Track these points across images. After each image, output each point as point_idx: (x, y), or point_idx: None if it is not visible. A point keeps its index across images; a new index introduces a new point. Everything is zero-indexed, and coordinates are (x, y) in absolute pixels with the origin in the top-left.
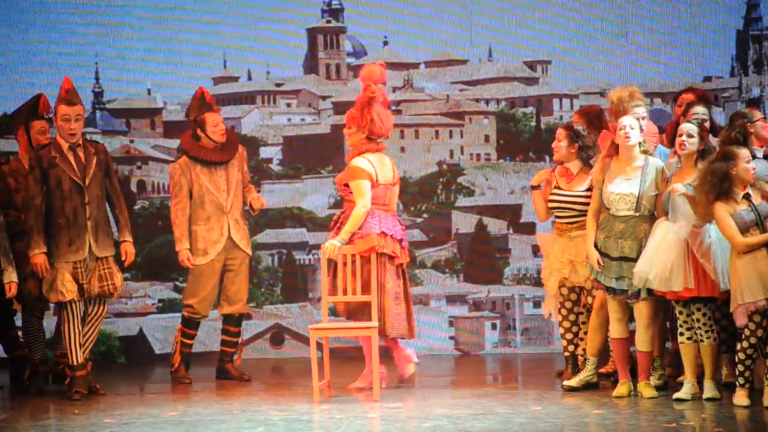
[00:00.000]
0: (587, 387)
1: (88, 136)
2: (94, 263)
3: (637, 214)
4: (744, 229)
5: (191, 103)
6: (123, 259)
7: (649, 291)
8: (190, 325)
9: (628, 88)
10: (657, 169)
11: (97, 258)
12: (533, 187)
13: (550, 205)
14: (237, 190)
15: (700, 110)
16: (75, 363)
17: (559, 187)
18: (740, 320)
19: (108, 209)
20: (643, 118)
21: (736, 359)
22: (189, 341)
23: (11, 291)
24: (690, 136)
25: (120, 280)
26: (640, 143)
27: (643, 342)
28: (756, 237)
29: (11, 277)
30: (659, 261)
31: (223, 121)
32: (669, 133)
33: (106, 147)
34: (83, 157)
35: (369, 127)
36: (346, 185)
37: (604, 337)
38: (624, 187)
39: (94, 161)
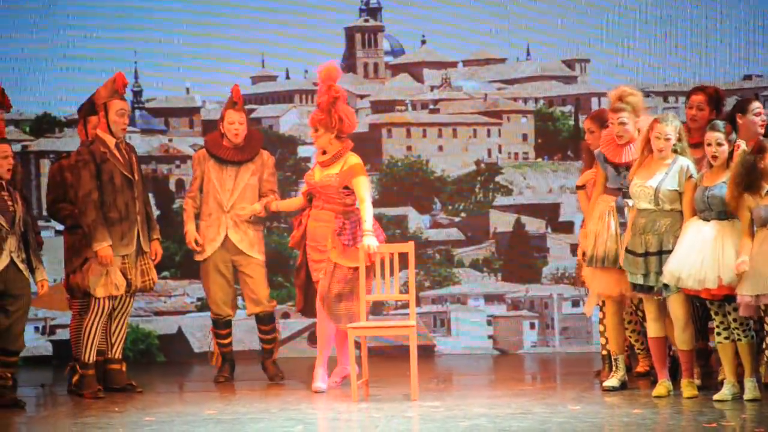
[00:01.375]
0: (624, 386)
1: (127, 136)
2: (136, 258)
3: (656, 208)
4: (761, 224)
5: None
6: (153, 257)
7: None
8: (217, 325)
9: (621, 90)
10: (682, 167)
11: (138, 253)
12: (578, 187)
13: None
14: (245, 193)
15: (755, 105)
16: (87, 361)
17: None
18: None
19: None
20: (622, 124)
21: None
22: (222, 341)
23: (43, 288)
24: (719, 144)
25: (156, 275)
26: (674, 145)
27: (682, 341)
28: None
29: (43, 275)
30: (692, 260)
31: (243, 122)
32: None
33: (144, 146)
34: (126, 153)
35: (338, 126)
36: (346, 186)
37: (624, 334)
38: (646, 180)
39: (134, 158)
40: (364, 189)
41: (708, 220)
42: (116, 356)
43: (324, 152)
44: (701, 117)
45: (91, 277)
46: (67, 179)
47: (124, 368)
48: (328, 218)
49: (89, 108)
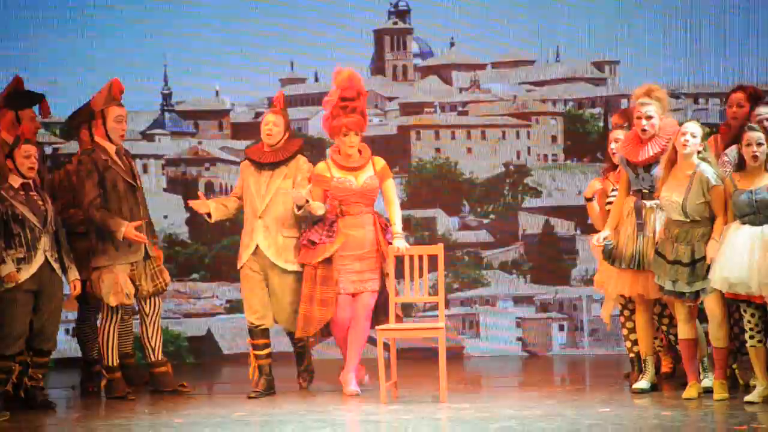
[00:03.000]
0: (654, 387)
1: (156, 138)
2: (144, 263)
3: (687, 220)
4: None
5: None
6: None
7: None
8: (253, 334)
9: (647, 86)
10: (701, 179)
11: (146, 258)
12: (587, 199)
13: (608, 207)
14: (277, 197)
15: (763, 111)
16: (111, 364)
17: (615, 189)
18: None
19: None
20: (649, 118)
21: None
22: (258, 352)
23: (76, 289)
24: (759, 144)
25: (168, 276)
26: (699, 151)
27: (717, 339)
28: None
29: (75, 274)
30: (739, 264)
31: (279, 124)
32: (723, 134)
33: (173, 148)
34: (126, 159)
35: (364, 130)
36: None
37: (653, 334)
38: (673, 194)
39: (134, 164)
40: (394, 190)
41: (755, 224)
42: (159, 358)
43: (351, 155)
44: (741, 114)
45: (103, 286)
46: (75, 183)
47: (170, 369)
48: (369, 222)
49: (89, 114)
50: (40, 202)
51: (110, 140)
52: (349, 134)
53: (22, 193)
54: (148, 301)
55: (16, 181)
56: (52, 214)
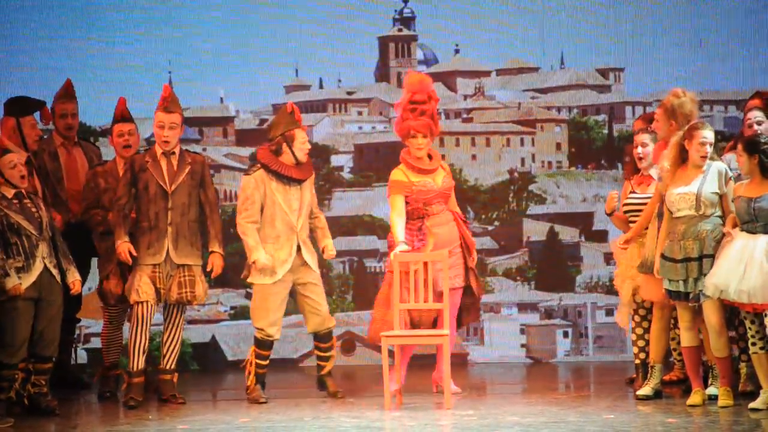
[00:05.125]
0: (658, 394)
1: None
2: (174, 270)
3: (697, 214)
4: None
5: (278, 117)
6: (209, 270)
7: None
8: (263, 346)
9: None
10: (719, 170)
11: (177, 265)
12: (609, 214)
13: (624, 209)
14: (307, 211)
15: (756, 114)
16: (134, 369)
17: (634, 192)
18: None
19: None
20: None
21: None
22: (263, 362)
23: (75, 287)
24: (706, 144)
25: (202, 290)
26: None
27: (717, 348)
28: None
29: (75, 275)
30: (739, 274)
31: (308, 139)
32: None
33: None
34: (176, 165)
35: (435, 132)
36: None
37: (667, 343)
38: (685, 187)
39: (187, 170)
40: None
41: (753, 233)
42: (168, 367)
43: (421, 158)
44: None
45: (127, 283)
46: (100, 185)
47: (174, 379)
48: (451, 217)
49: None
50: (34, 209)
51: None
52: (417, 137)
53: (15, 201)
54: (170, 308)
55: (9, 192)
56: (47, 220)
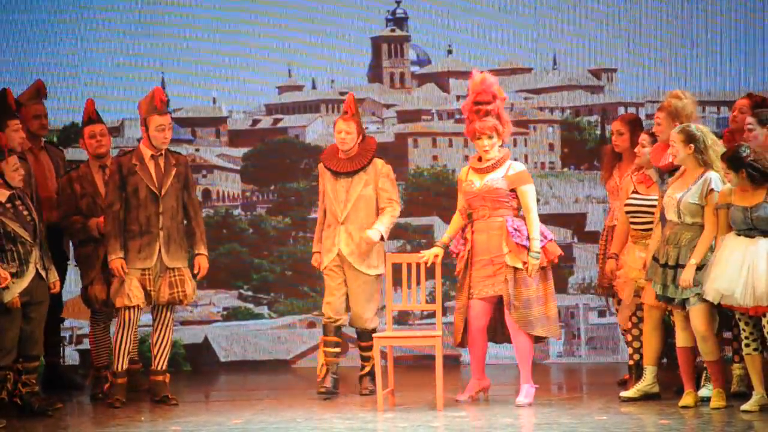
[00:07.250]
0: (647, 397)
1: None
2: (163, 271)
3: (679, 221)
4: None
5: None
6: (196, 272)
7: (700, 298)
8: (327, 331)
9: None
10: (705, 180)
11: (167, 268)
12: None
13: (626, 209)
14: (358, 204)
15: (749, 120)
16: (118, 369)
17: (636, 192)
18: None
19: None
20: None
21: None
22: (329, 349)
23: (55, 287)
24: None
25: (192, 289)
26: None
27: (706, 353)
28: None
29: (55, 275)
30: (729, 276)
31: (351, 131)
32: (726, 140)
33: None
34: (163, 167)
35: (503, 132)
36: (512, 190)
37: (660, 343)
38: (676, 191)
39: (173, 172)
40: (533, 198)
41: (750, 237)
42: (159, 368)
43: (479, 159)
44: (741, 120)
45: (112, 288)
46: (77, 191)
47: (167, 380)
48: (499, 225)
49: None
50: (26, 212)
51: (154, 147)
52: (482, 138)
53: (9, 206)
54: (160, 309)
55: (3, 195)
56: (40, 226)
